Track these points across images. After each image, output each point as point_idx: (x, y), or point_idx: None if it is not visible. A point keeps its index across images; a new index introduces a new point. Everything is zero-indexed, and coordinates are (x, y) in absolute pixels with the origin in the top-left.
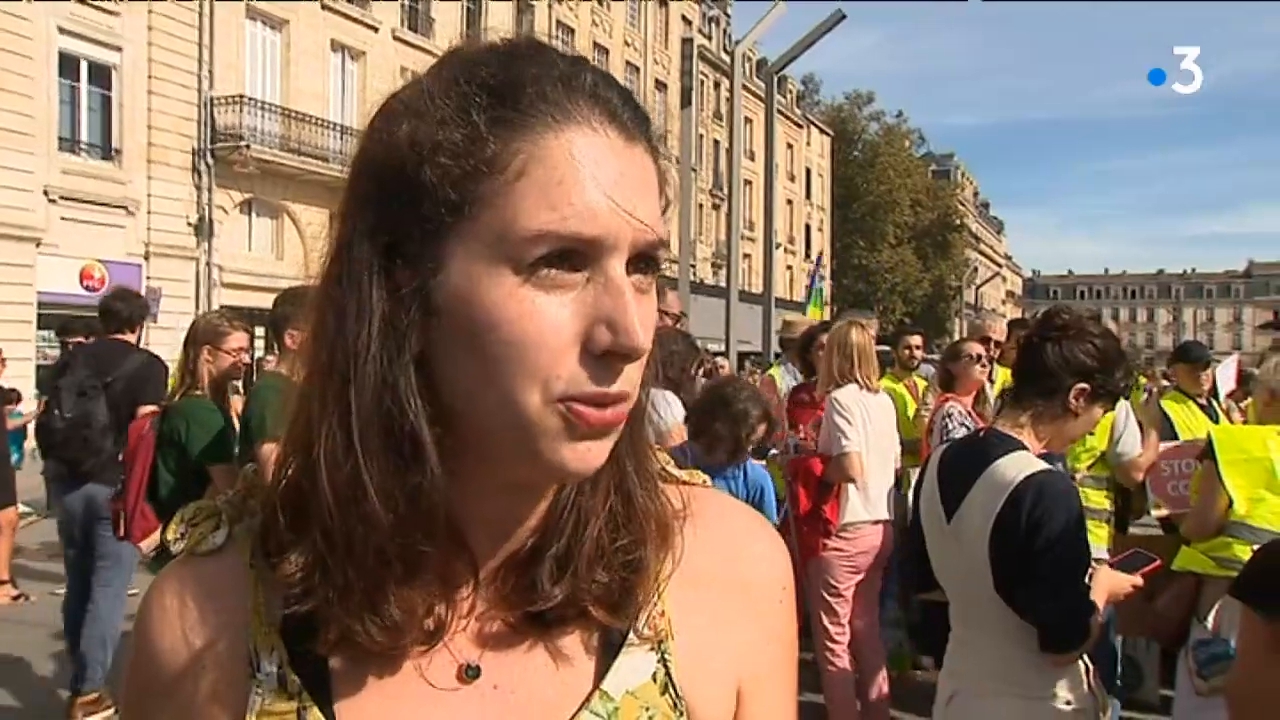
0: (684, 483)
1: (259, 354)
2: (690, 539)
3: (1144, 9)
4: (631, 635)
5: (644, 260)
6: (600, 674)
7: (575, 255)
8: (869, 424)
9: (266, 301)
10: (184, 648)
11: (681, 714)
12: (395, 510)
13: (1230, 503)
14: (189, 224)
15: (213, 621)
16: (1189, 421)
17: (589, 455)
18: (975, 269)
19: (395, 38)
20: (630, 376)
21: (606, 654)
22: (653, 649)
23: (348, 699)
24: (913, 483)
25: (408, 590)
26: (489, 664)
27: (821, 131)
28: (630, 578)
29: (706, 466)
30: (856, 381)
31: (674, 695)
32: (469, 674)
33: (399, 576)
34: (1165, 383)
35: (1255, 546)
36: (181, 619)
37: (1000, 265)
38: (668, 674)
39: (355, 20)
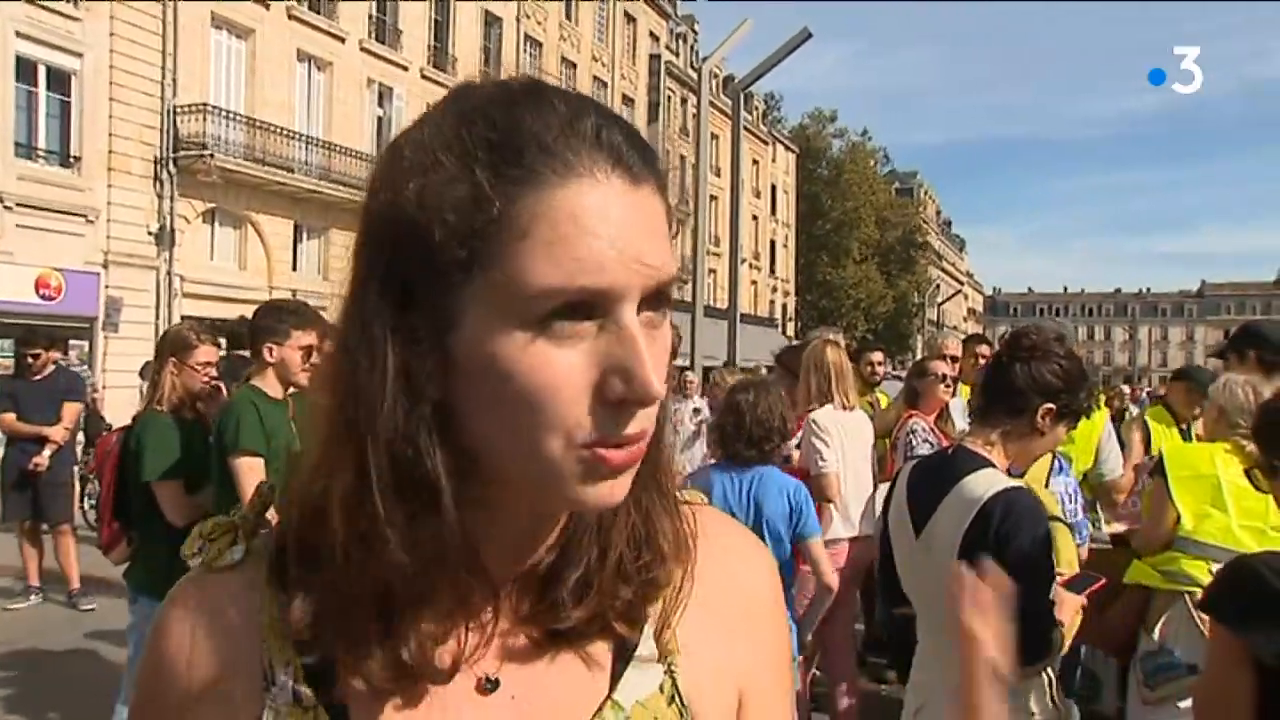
0: (685, 502)
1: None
2: (698, 556)
3: (1103, 30)
4: (642, 647)
5: (656, 297)
6: (613, 683)
7: (586, 306)
8: (846, 443)
9: (229, 312)
10: (199, 662)
11: None
12: (413, 554)
13: (1178, 518)
14: (150, 233)
15: (229, 636)
16: (1163, 442)
17: (611, 493)
18: (938, 286)
19: (363, 49)
20: (649, 414)
21: (620, 662)
22: (660, 660)
23: (365, 714)
24: (880, 498)
25: (422, 629)
26: (507, 676)
27: (787, 148)
28: (651, 593)
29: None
30: (834, 400)
31: (680, 705)
32: (488, 686)
33: (412, 619)
34: (1144, 397)
35: (1201, 561)
36: (197, 634)
37: (962, 283)
38: (674, 685)
39: (322, 30)
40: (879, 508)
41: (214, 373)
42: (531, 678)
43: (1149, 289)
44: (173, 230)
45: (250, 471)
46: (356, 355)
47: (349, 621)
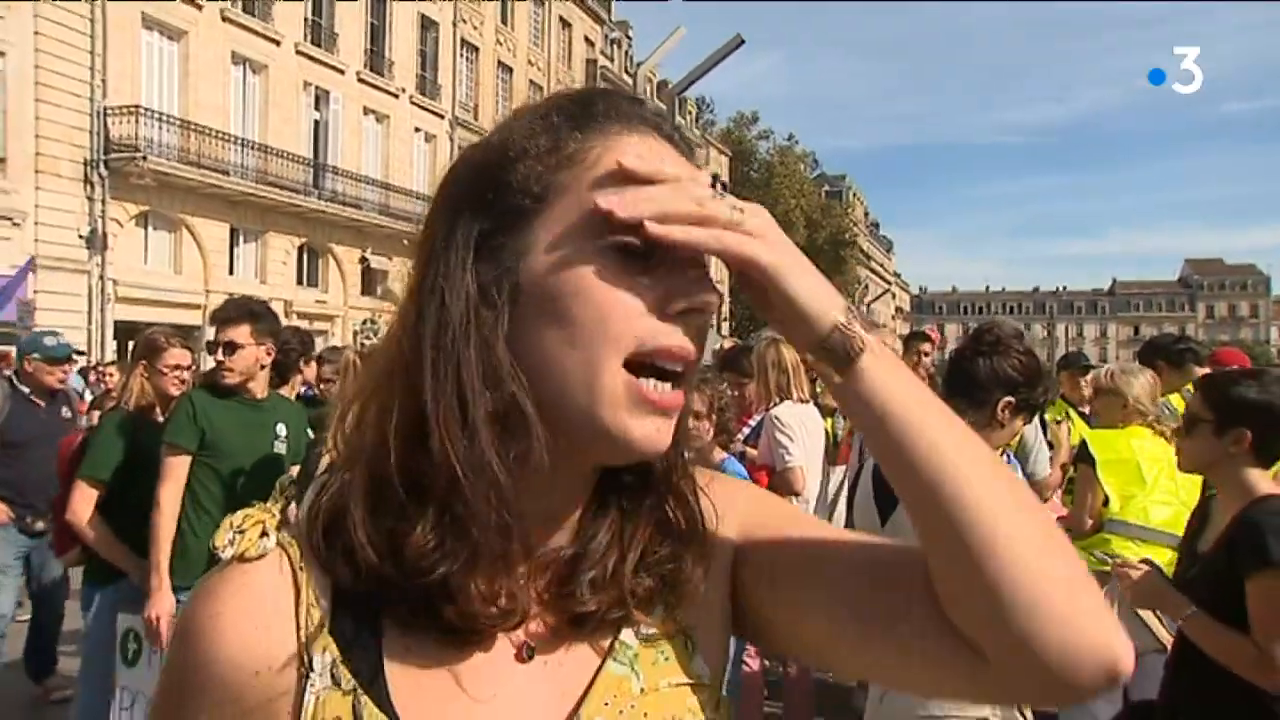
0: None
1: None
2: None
3: (1017, 44)
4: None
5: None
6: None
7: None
8: (807, 438)
9: (164, 317)
10: (237, 654)
11: (691, 647)
12: (510, 475)
13: (1106, 500)
14: (80, 236)
15: (267, 627)
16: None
17: (656, 434)
18: (866, 286)
19: (298, 51)
20: (699, 339)
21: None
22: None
23: (403, 691)
24: (837, 489)
25: (475, 585)
26: (539, 647)
27: (720, 152)
28: (670, 582)
29: None
30: (792, 395)
31: (685, 636)
32: (528, 653)
33: (507, 550)
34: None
35: (1128, 542)
36: (234, 625)
37: (890, 282)
38: (675, 619)
39: (257, 33)
40: (831, 498)
41: (185, 375)
42: (558, 647)
43: (1065, 287)
44: (104, 234)
45: (168, 466)
46: (444, 294)
47: (466, 543)
